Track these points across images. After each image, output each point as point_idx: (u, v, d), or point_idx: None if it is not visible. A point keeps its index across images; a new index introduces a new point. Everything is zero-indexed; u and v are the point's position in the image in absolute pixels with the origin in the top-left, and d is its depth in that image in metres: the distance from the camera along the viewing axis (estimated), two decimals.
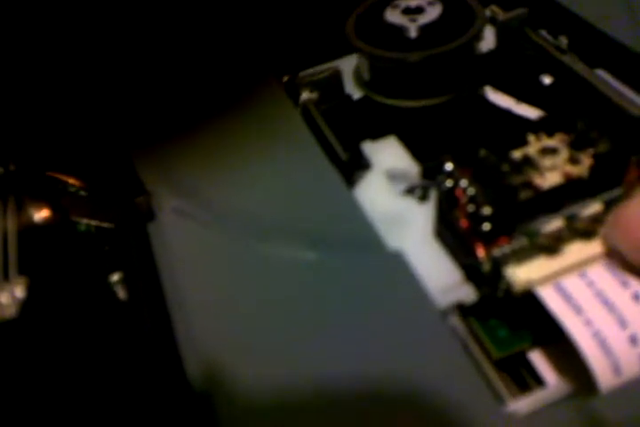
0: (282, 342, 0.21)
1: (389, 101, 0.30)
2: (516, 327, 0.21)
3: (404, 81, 0.30)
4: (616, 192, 0.21)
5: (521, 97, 0.30)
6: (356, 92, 0.32)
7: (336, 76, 0.31)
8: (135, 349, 0.21)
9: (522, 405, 0.19)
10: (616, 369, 0.18)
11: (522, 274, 0.20)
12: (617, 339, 0.19)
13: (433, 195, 0.25)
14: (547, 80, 0.30)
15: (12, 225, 0.24)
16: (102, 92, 0.31)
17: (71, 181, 0.27)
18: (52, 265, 0.23)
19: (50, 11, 0.33)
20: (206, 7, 0.36)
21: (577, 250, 0.20)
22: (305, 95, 0.31)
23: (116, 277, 0.23)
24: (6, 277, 0.22)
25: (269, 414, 0.19)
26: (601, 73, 0.29)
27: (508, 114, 0.29)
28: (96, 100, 0.31)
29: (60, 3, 0.33)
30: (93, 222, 0.25)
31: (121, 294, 0.23)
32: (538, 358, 0.21)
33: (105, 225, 0.25)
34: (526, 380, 0.21)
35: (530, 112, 0.29)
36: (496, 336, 0.21)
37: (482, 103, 0.30)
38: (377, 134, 0.29)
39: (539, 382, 0.20)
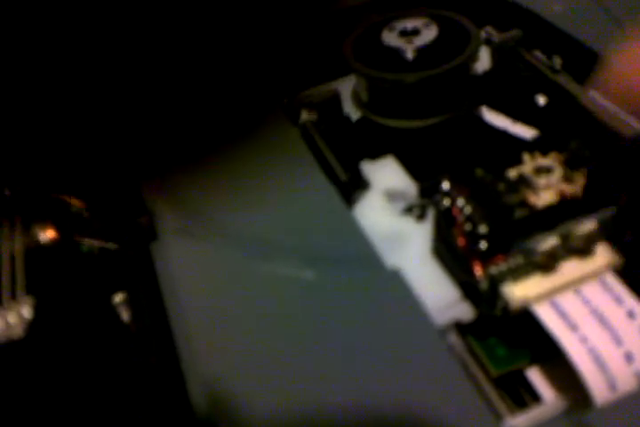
0: (283, 362, 0.21)
1: (387, 122, 0.31)
2: (514, 345, 0.22)
3: (401, 102, 0.30)
4: (610, 210, 0.22)
5: (516, 117, 0.30)
6: (354, 113, 0.32)
7: (335, 97, 0.31)
8: (138, 370, 0.21)
9: (520, 421, 0.20)
10: (611, 385, 0.19)
11: (518, 291, 0.20)
12: (612, 356, 0.19)
13: (430, 214, 0.26)
14: (541, 100, 0.31)
15: (19, 246, 0.24)
16: (107, 113, 0.32)
17: (74, 202, 0.27)
18: (57, 285, 0.24)
19: (63, 35, 0.34)
20: (207, 30, 0.37)
21: (572, 268, 0.21)
22: (304, 116, 0.31)
23: (118, 297, 0.24)
24: (14, 297, 0.23)
25: None
26: (594, 93, 0.30)
27: (503, 133, 0.30)
28: (101, 121, 0.31)
29: (77, 31, 0.34)
30: (96, 243, 0.26)
31: (124, 314, 0.23)
32: (535, 375, 0.21)
33: (108, 246, 0.26)
34: (523, 396, 0.21)
35: (525, 132, 0.29)
36: (494, 354, 0.21)
37: (478, 123, 0.30)
38: (375, 154, 0.30)
39: (536, 398, 0.21)
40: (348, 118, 0.32)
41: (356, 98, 0.32)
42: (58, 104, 0.32)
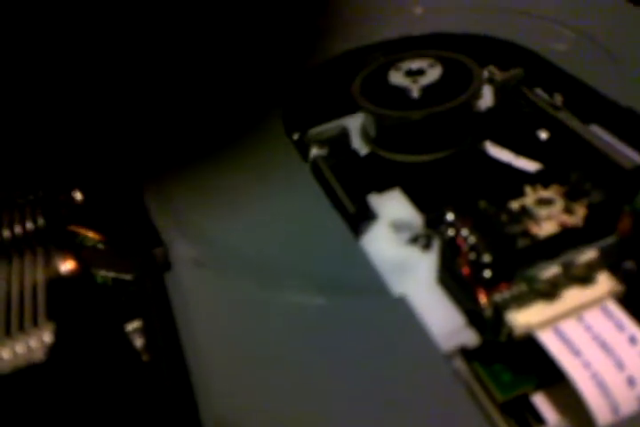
0: (292, 389, 0.21)
1: (394, 156, 0.32)
2: (519, 371, 0.22)
3: (407, 137, 0.31)
4: (610, 239, 0.22)
5: (519, 151, 0.31)
6: (362, 148, 0.33)
7: (343, 133, 0.33)
8: (151, 397, 0.22)
9: None
10: (614, 409, 0.19)
11: (522, 319, 0.21)
12: (615, 380, 0.19)
13: (436, 244, 0.26)
14: (543, 135, 0.32)
15: (40, 275, 0.25)
16: (114, 136, 0.33)
17: (90, 234, 0.28)
18: (72, 315, 0.24)
19: (70, 37, 0.35)
20: (216, 54, 0.38)
21: (574, 295, 0.21)
22: (314, 151, 0.32)
23: (132, 326, 0.24)
24: (35, 324, 0.23)
25: None
26: (594, 128, 0.31)
27: (506, 167, 0.30)
28: (108, 146, 0.32)
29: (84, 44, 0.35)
30: (111, 274, 0.26)
31: (137, 342, 0.24)
32: (539, 399, 0.21)
33: (123, 277, 0.26)
34: (528, 420, 0.21)
35: (528, 165, 0.30)
36: (500, 380, 0.22)
37: (482, 157, 0.31)
38: (382, 187, 0.31)
39: (540, 421, 0.21)
40: (356, 153, 0.33)
41: (365, 134, 0.33)
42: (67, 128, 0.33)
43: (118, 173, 0.31)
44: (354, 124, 0.34)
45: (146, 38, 0.37)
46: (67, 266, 0.26)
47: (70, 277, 0.26)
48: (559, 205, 0.23)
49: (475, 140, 0.32)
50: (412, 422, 0.20)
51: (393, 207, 0.29)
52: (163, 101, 0.36)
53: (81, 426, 0.21)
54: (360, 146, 0.33)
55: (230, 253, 0.27)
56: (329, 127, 0.33)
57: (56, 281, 0.25)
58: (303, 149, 0.33)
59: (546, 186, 0.24)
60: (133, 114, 0.35)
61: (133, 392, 0.22)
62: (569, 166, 0.28)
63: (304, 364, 0.22)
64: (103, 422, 0.21)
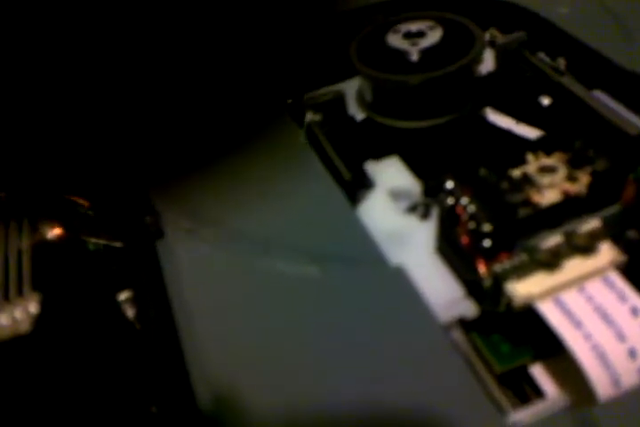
0: (287, 359, 0.21)
1: (392, 122, 0.31)
2: (517, 342, 0.22)
3: (405, 103, 0.30)
4: (613, 209, 0.22)
5: (520, 117, 0.30)
6: (359, 114, 0.32)
7: (339, 99, 0.32)
8: (143, 367, 0.21)
9: (523, 416, 0.20)
10: (615, 382, 0.19)
11: (522, 289, 0.20)
12: (616, 352, 0.19)
13: (435, 213, 0.26)
14: (545, 101, 0.31)
15: (26, 243, 0.25)
16: (114, 113, 0.32)
17: (81, 201, 0.28)
18: (63, 283, 0.24)
19: (74, 37, 0.34)
20: (212, 30, 0.37)
21: (576, 265, 0.21)
22: (309, 116, 0.31)
23: (124, 295, 0.24)
24: (20, 293, 0.23)
25: None
26: (598, 94, 0.30)
27: (507, 134, 0.30)
28: (108, 121, 0.32)
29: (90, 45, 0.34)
30: (102, 241, 0.26)
31: (129, 312, 0.23)
32: (538, 371, 0.21)
33: (114, 244, 0.26)
34: (527, 392, 0.21)
35: (529, 132, 0.29)
36: (498, 351, 0.22)
37: (482, 123, 0.31)
38: (380, 154, 0.30)
39: (539, 394, 0.21)
40: (352, 119, 0.32)
41: (361, 99, 0.33)
42: (64, 104, 0.32)
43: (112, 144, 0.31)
44: (350, 88, 0.33)
45: (144, 31, 0.36)
46: (53, 233, 0.26)
47: (58, 244, 0.25)
48: (562, 172, 0.23)
49: (475, 105, 0.31)
50: (409, 393, 0.20)
51: (391, 175, 0.29)
52: (156, 79, 0.35)
53: (68, 400, 0.20)
54: (356, 111, 0.33)
55: (222, 222, 0.26)
56: (324, 92, 0.32)
57: (42, 248, 0.25)
58: (298, 114, 0.32)
59: (548, 153, 0.24)
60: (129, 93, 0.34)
61: (124, 363, 0.21)
62: (572, 133, 0.27)
63: (297, 335, 0.22)
64: (92, 395, 0.20)
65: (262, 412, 0.20)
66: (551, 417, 0.19)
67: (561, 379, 0.21)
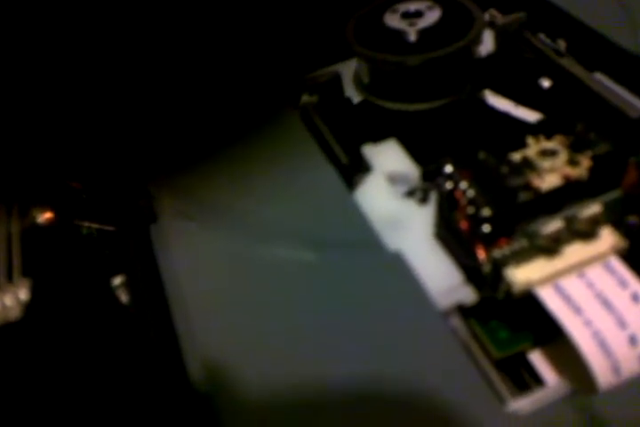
0: (283, 342, 0.21)
1: (389, 105, 0.31)
2: (516, 328, 0.21)
3: (403, 84, 0.30)
4: (615, 193, 0.21)
5: (520, 100, 0.30)
6: (355, 96, 0.32)
7: (336, 80, 0.31)
8: (137, 351, 0.21)
9: (522, 404, 0.19)
10: (615, 369, 0.18)
11: (521, 275, 0.20)
12: (616, 339, 0.19)
13: (433, 197, 0.26)
14: (545, 83, 0.30)
15: (15, 228, 0.24)
16: (106, 99, 0.32)
17: (74, 184, 0.27)
18: (55, 267, 0.24)
19: (72, 35, 0.34)
20: (207, 14, 0.36)
21: (576, 251, 0.20)
22: (305, 98, 0.31)
23: (118, 280, 0.24)
24: (10, 280, 0.23)
25: (271, 414, 0.19)
26: (599, 76, 0.29)
27: (507, 117, 0.29)
28: (103, 108, 0.31)
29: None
30: (95, 225, 0.26)
31: (123, 297, 0.23)
32: (537, 358, 0.21)
33: (107, 228, 0.26)
34: (526, 379, 0.21)
35: (529, 115, 0.29)
36: (496, 337, 0.21)
37: (481, 106, 0.30)
38: (377, 137, 0.29)
39: (538, 381, 0.20)
40: (349, 101, 0.32)
41: (358, 81, 0.32)
42: (56, 88, 0.32)
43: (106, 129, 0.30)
44: (347, 70, 0.33)
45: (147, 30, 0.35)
46: (44, 217, 0.25)
47: (49, 228, 0.25)
48: (563, 156, 0.22)
49: (474, 88, 0.31)
50: (408, 379, 0.20)
51: (388, 159, 0.28)
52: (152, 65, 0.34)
53: (62, 386, 0.20)
54: (353, 93, 0.32)
55: (217, 206, 0.26)
56: (320, 73, 0.32)
57: (33, 233, 0.24)
58: (293, 96, 0.31)
59: (549, 137, 0.23)
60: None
61: (118, 349, 0.21)
62: (573, 116, 0.27)
63: (294, 320, 0.21)
64: (85, 382, 0.20)
65: (256, 392, 0.20)
66: (551, 405, 0.19)
67: (560, 366, 0.21)
